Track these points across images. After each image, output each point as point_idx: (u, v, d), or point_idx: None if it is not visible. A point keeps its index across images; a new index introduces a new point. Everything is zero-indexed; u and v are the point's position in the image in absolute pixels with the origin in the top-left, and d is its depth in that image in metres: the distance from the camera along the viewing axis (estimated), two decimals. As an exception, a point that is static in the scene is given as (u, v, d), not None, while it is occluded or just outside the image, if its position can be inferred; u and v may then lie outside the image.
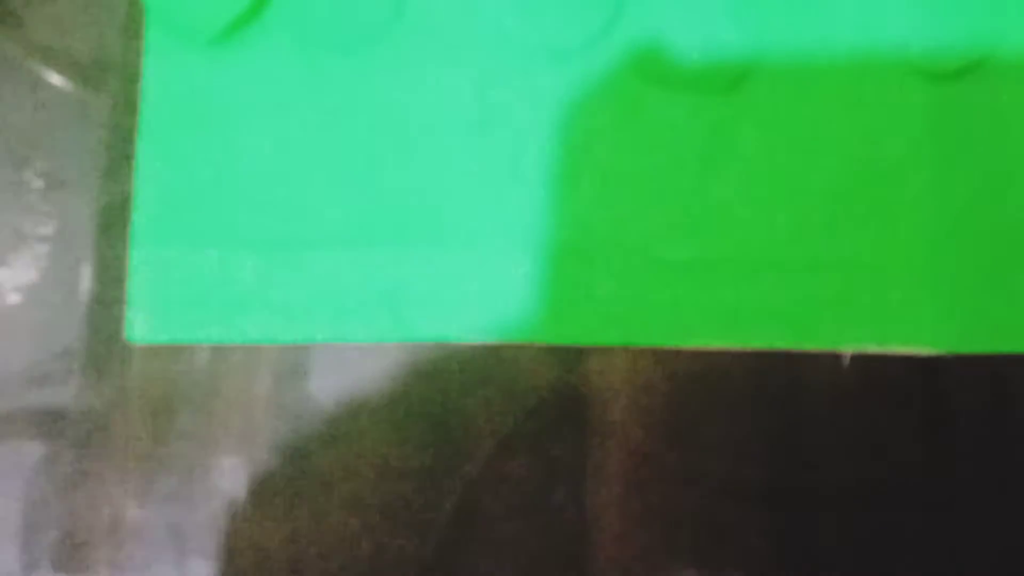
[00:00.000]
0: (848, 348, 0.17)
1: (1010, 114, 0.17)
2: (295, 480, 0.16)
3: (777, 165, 0.17)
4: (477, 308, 0.17)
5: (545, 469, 0.16)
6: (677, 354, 0.17)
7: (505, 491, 0.16)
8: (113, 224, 0.17)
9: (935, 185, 0.17)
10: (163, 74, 0.17)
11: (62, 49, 0.18)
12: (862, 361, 0.16)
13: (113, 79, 0.17)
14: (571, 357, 0.17)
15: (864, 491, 0.16)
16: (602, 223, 0.17)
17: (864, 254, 0.17)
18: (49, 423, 0.16)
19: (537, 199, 0.17)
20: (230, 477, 0.16)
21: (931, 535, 0.16)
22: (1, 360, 0.17)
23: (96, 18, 0.18)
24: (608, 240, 0.17)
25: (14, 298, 0.17)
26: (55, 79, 0.17)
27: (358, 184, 0.17)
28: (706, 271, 0.17)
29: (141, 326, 0.17)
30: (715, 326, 0.17)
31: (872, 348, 0.16)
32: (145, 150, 0.17)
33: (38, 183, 0.17)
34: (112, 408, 0.17)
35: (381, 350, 0.17)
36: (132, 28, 0.17)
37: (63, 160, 0.17)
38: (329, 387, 0.17)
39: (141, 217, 0.17)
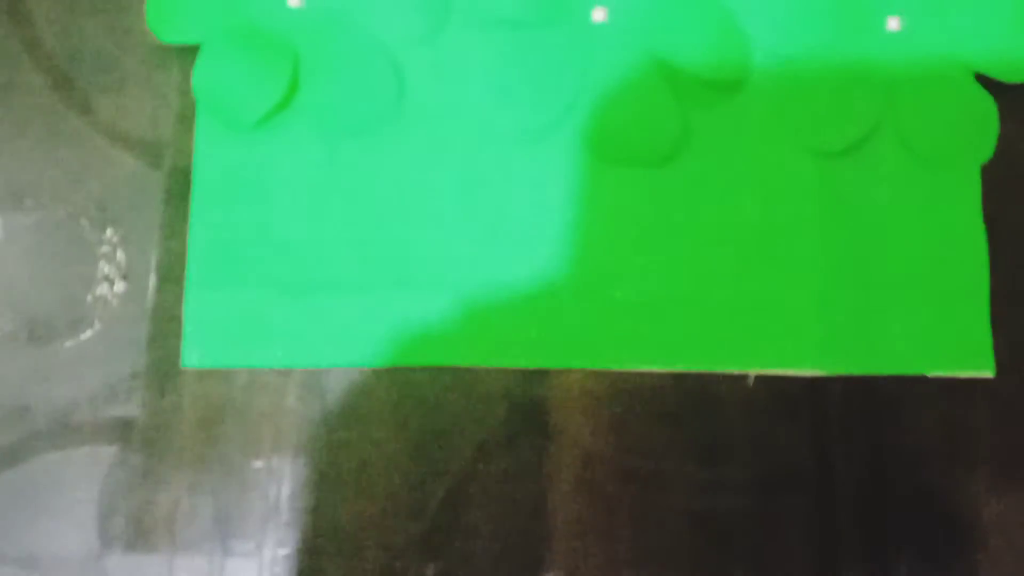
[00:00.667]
0: (753, 370, 0.21)
1: (880, 185, 0.22)
2: (316, 476, 0.21)
3: (699, 224, 0.22)
4: (459, 339, 0.21)
5: (513, 466, 0.21)
6: (620, 374, 0.21)
7: (481, 483, 0.20)
8: (171, 272, 0.21)
9: (821, 240, 0.21)
10: (211, 152, 0.22)
11: (128, 131, 0.22)
12: (764, 380, 0.21)
13: (169, 155, 0.22)
14: (536, 376, 0.21)
15: (765, 482, 0.21)
16: (566, 271, 0.21)
17: (764, 295, 0.21)
18: (120, 431, 0.21)
19: (514, 252, 0.22)
20: (264, 474, 0.21)
21: (816, 518, 0.21)
22: (82, 381, 0.21)
23: (156, 107, 0.22)
24: (570, 285, 0.21)
25: (93, 330, 0.21)
26: (123, 156, 0.22)
27: (365, 240, 0.22)
28: (645, 308, 0.21)
29: (193, 354, 0.21)
30: (651, 352, 0.21)
31: (771, 370, 0.21)
32: (197, 213, 0.21)
33: (111, 240, 0.21)
34: (170, 419, 0.21)
35: (384, 372, 0.21)
36: (186, 115, 0.22)
37: (130, 221, 0.22)
38: (342, 402, 0.21)
39: (194, 268, 0.21)
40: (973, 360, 0.21)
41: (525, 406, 0.21)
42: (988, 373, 0.21)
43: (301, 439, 0.21)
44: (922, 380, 0.21)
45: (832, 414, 0.21)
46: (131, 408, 0.21)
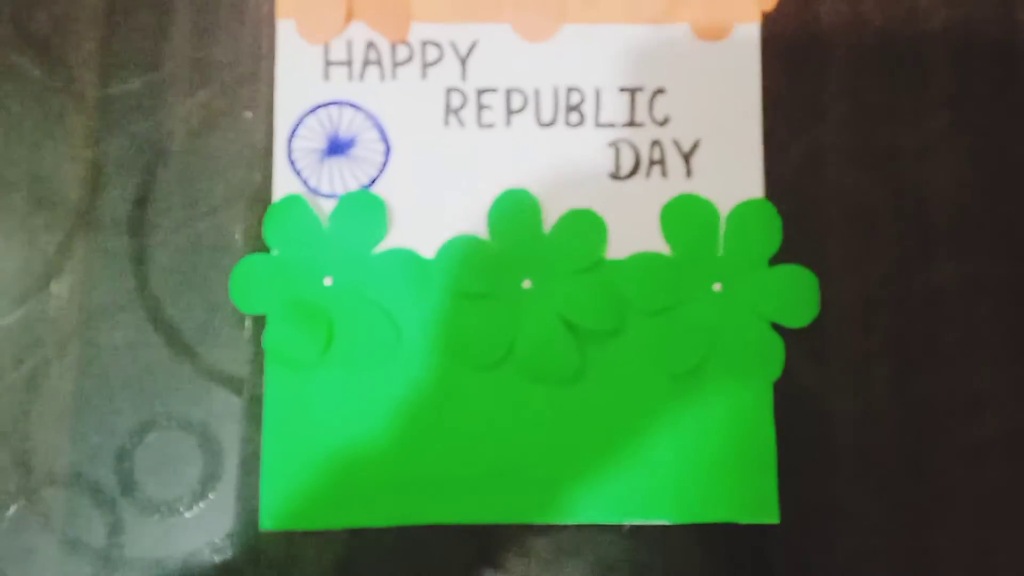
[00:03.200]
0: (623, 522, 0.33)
1: (709, 392, 0.33)
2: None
3: (591, 422, 0.33)
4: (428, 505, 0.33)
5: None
6: (529, 527, 0.33)
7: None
8: (249, 468, 0.33)
9: (667, 429, 0.33)
10: (276, 382, 0.33)
11: (221, 371, 0.33)
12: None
13: (247, 387, 0.33)
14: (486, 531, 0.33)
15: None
16: (497, 453, 0.33)
17: (626, 466, 0.33)
18: None
19: (469, 443, 0.33)
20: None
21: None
22: (169, 552, 0.32)
23: (238, 354, 0.34)
24: (500, 462, 0.33)
25: (192, 512, 0.32)
26: (219, 393, 0.33)
27: (384, 435, 0.33)
28: (538, 477, 0.33)
29: (268, 519, 0.32)
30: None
31: (632, 521, 0.33)
32: (268, 423, 0.33)
33: (197, 463, 0.33)
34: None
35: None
36: (258, 360, 0.33)
37: (223, 430, 0.33)
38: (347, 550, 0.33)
39: (267, 459, 0.33)
40: (763, 513, 0.33)
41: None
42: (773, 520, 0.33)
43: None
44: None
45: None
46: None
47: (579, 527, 0.33)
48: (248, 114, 0.34)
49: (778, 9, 0.35)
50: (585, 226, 0.34)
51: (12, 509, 0.32)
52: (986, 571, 0.33)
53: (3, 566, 0.32)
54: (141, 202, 0.34)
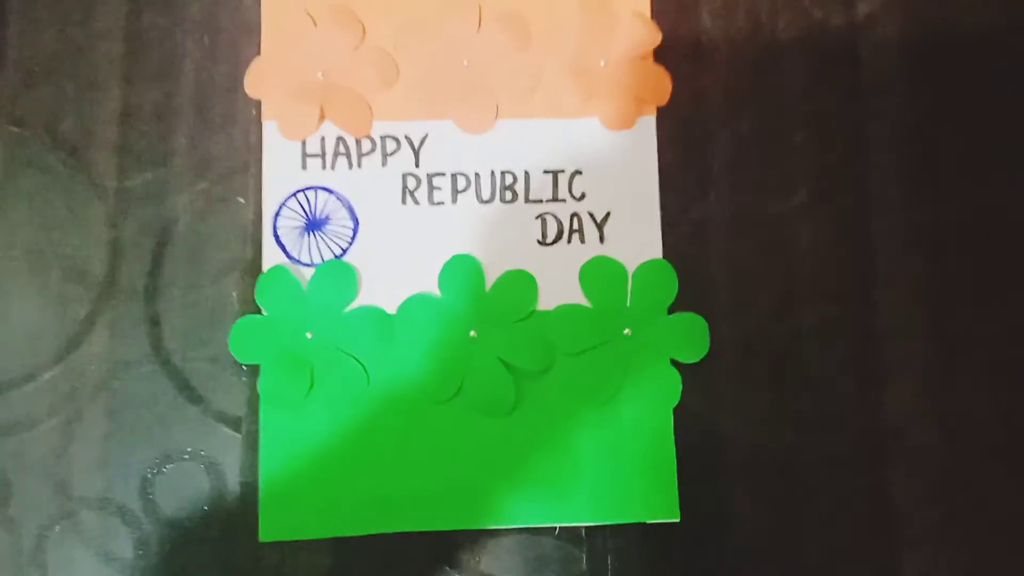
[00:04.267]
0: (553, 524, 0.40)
1: (621, 414, 0.41)
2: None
3: (526, 443, 0.41)
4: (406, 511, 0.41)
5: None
6: (480, 531, 0.40)
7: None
8: (249, 490, 0.40)
9: (588, 448, 0.41)
10: (270, 419, 0.41)
11: (223, 411, 0.41)
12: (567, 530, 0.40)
13: (244, 424, 0.41)
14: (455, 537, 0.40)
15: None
16: (447, 475, 0.41)
17: (544, 476, 0.41)
18: None
19: (427, 464, 0.41)
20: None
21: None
22: (186, 561, 0.40)
23: (236, 398, 0.41)
24: (451, 485, 0.41)
25: (203, 528, 0.40)
26: (221, 427, 0.41)
27: (360, 462, 0.41)
28: (453, 495, 0.41)
29: (267, 530, 0.40)
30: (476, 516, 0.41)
31: (556, 524, 0.41)
32: (264, 453, 0.40)
33: (206, 488, 0.40)
34: None
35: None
36: (253, 402, 0.41)
37: (225, 460, 0.40)
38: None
39: (264, 479, 0.40)
40: (666, 513, 0.41)
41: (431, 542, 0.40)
42: (675, 519, 0.41)
43: None
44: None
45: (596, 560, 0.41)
46: None
47: (519, 529, 0.41)
48: (240, 199, 0.42)
49: (670, 103, 0.43)
50: (519, 284, 0.42)
51: (56, 529, 0.40)
52: (843, 554, 0.41)
53: (51, 574, 0.39)
54: (154, 274, 0.41)
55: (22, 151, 0.42)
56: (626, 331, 0.42)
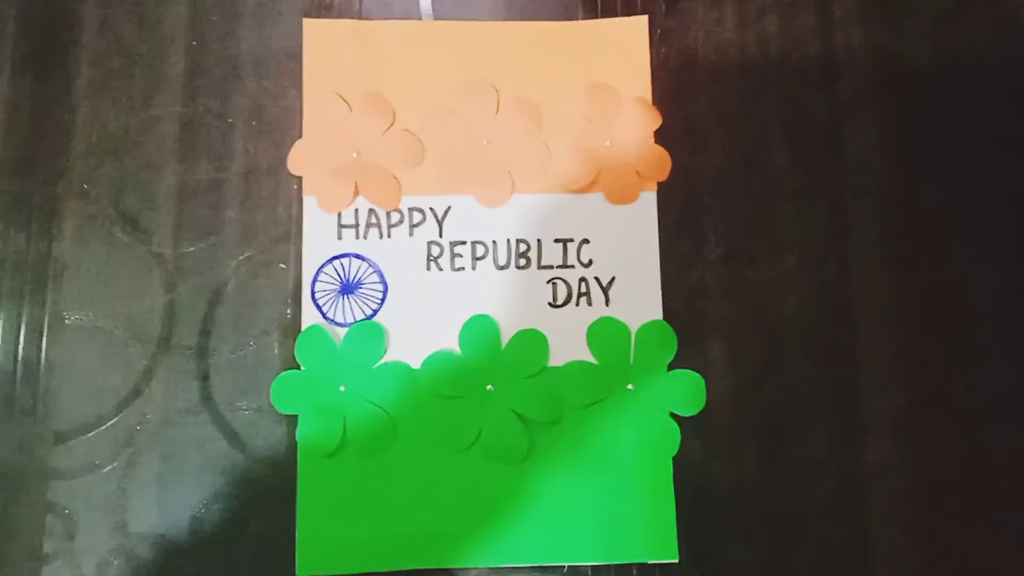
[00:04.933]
0: (562, 564, 0.44)
1: (623, 463, 0.45)
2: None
3: (539, 490, 0.45)
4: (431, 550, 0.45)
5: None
6: (495, 569, 0.44)
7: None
8: (286, 529, 0.45)
9: (589, 491, 0.45)
10: (306, 465, 0.45)
11: (263, 456, 0.45)
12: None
13: (282, 471, 0.45)
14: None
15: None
16: (467, 514, 0.45)
17: (550, 517, 0.45)
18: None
19: (448, 504, 0.45)
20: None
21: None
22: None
23: (275, 447, 0.46)
24: (471, 520, 0.45)
25: (247, 563, 0.44)
26: (257, 467, 0.45)
27: (393, 502, 0.45)
28: (471, 535, 0.45)
29: (303, 569, 0.44)
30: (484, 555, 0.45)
31: (556, 563, 0.44)
32: (302, 496, 0.45)
33: (249, 527, 0.45)
34: (292, 599, 0.44)
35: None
36: (291, 450, 0.45)
37: (267, 502, 0.45)
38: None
39: (303, 533, 0.45)
40: (665, 553, 0.45)
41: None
42: (674, 559, 0.45)
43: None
44: None
45: (602, 583, 0.45)
46: (274, 595, 0.44)
47: (531, 567, 0.45)
48: (283, 265, 0.47)
49: (669, 180, 0.47)
50: (532, 342, 0.46)
51: (115, 563, 0.44)
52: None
53: (111, 604, 0.44)
54: (205, 333, 0.46)
55: (90, 223, 0.47)
56: (629, 386, 0.46)
